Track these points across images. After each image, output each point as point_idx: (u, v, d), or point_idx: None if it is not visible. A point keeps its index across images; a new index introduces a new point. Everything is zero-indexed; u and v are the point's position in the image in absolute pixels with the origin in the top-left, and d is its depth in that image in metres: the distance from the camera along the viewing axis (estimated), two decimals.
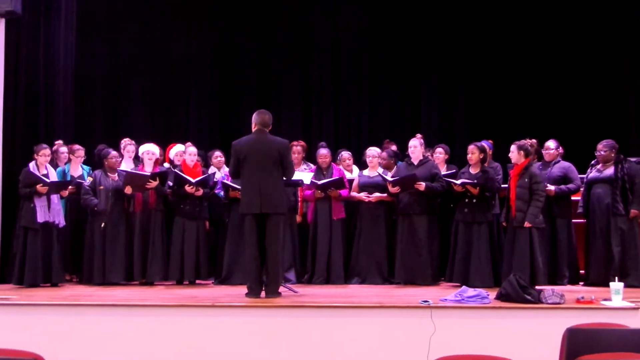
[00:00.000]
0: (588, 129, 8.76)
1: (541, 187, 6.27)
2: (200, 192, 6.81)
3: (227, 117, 9.91)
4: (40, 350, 2.94)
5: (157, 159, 7.10)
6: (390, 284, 6.79)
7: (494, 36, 9.71)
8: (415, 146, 6.90)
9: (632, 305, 4.92)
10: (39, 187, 6.52)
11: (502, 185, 6.75)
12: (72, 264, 7.24)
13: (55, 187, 6.68)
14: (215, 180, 7.11)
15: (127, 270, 6.85)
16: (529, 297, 5.04)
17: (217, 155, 7.50)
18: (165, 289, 6.56)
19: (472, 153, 6.62)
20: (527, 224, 6.14)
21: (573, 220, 6.88)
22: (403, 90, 9.94)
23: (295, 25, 10.02)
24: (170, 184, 6.89)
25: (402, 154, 7.53)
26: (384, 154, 7.43)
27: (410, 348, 4.82)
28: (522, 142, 6.51)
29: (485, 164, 6.68)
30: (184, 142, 7.60)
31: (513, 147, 6.43)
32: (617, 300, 4.97)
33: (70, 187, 6.98)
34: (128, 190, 6.80)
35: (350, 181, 7.15)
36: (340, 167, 7.39)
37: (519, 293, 5.08)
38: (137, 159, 7.27)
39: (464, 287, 5.49)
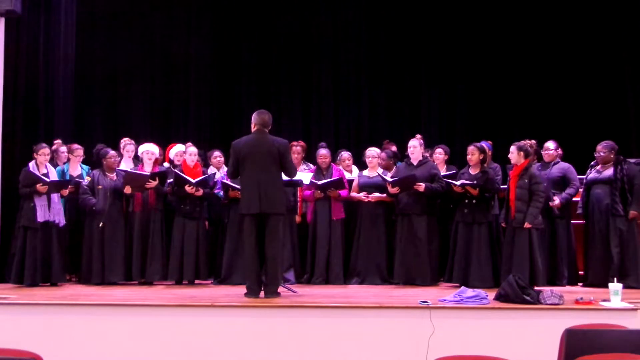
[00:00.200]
0: (588, 130, 8.77)
1: (541, 187, 6.27)
2: (201, 192, 6.81)
3: (226, 117, 9.91)
4: (39, 349, 2.94)
5: (156, 159, 7.10)
6: (389, 284, 6.80)
7: (494, 37, 9.71)
8: (415, 147, 6.90)
9: (631, 306, 4.92)
10: (38, 186, 6.52)
11: (502, 186, 6.75)
12: (71, 264, 7.23)
13: (55, 186, 6.68)
14: (215, 180, 7.11)
15: (126, 270, 6.86)
16: (528, 298, 5.04)
17: (217, 155, 7.50)
18: (164, 289, 6.56)
19: (472, 154, 6.62)
20: (526, 225, 6.14)
21: (572, 221, 6.89)
22: (403, 90, 9.95)
23: (295, 26, 10.01)
24: (169, 181, 6.89)
25: (401, 155, 7.54)
26: (384, 154, 7.43)
27: (409, 348, 4.83)
28: (522, 143, 6.51)
29: (485, 165, 6.69)
30: (183, 142, 7.61)
31: (513, 148, 6.44)
32: (615, 301, 4.98)
33: (70, 186, 6.98)
34: (127, 190, 6.80)
35: (350, 181, 7.15)
36: (340, 167, 7.40)
37: (518, 294, 5.08)
38: (137, 159, 7.27)
39: (462, 287, 5.49)
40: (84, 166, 7.46)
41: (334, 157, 7.56)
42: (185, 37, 9.99)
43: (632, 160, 6.69)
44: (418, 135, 7.35)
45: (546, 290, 5.14)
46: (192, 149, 7.11)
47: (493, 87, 9.76)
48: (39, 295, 5.80)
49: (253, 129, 5.77)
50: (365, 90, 9.92)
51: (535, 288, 5.29)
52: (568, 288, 6.42)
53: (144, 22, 9.89)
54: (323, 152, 7.23)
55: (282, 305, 5.19)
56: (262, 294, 5.59)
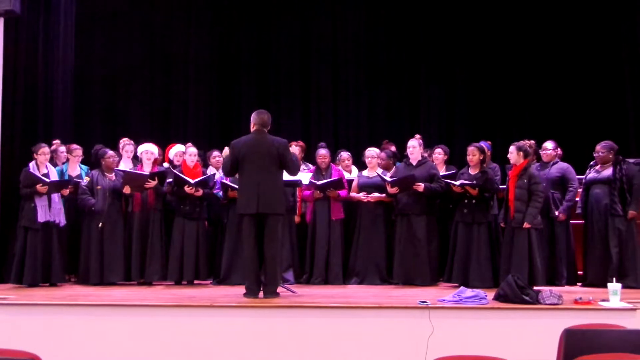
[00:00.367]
0: (587, 130, 8.78)
1: (540, 187, 6.28)
2: (200, 192, 6.81)
3: (226, 117, 9.91)
4: (38, 350, 2.94)
5: (155, 159, 7.10)
6: (388, 285, 6.79)
7: (493, 37, 9.72)
8: (414, 147, 6.90)
9: (630, 306, 4.93)
10: (38, 187, 6.52)
11: (501, 186, 6.75)
12: (70, 264, 7.22)
13: (55, 186, 6.68)
14: (214, 180, 7.11)
15: (126, 270, 6.85)
16: (526, 298, 5.04)
17: (216, 156, 7.50)
18: (163, 289, 6.56)
19: (473, 155, 6.62)
20: (525, 225, 6.14)
21: (571, 221, 6.89)
22: (402, 90, 9.95)
23: (295, 26, 10.02)
24: (169, 181, 6.89)
25: (400, 155, 7.54)
26: (383, 154, 7.43)
27: (408, 349, 4.83)
28: (521, 143, 6.51)
29: (484, 165, 6.69)
30: (183, 142, 7.61)
31: (512, 148, 6.44)
32: (614, 301, 4.98)
33: (70, 186, 6.98)
34: (127, 190, 6.80)
35: (349, 181, 7.15)
36: (340, 167, 7.39)
37: (517, 293, 5.08)
38: (136, 159, 7.27)
39: (462, 287, 5.49)
40: (83, 166, 7.46)
41: (334, 157, 7.56)
42: (184, 38, 9.99)
43: (631, 160, 6.70)
44: (417, 136, 7.35)
45: (545, 290, 5.14)
46: (192, 150, 7.11)
47: (492, 87, 9.76)
48: (37, 295, 5.80)
49: (252, 129, 5.77)
50: (364, 91, 9.92)
51: (534, 288, 5.29)
52: (567, 288, 6.42)
53: (143, 22, 9.89)
54: (322, 152, 7.23)
55: (281, 306, 5.19)
56: (261, 294, 5.58)
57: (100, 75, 9.73)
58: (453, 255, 6.56)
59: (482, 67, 9.74)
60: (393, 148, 7.86)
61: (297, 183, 6.94)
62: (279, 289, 5.70)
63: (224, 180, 6.85)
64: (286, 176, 5.90)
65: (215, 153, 7.53)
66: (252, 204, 5.56)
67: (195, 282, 6.90)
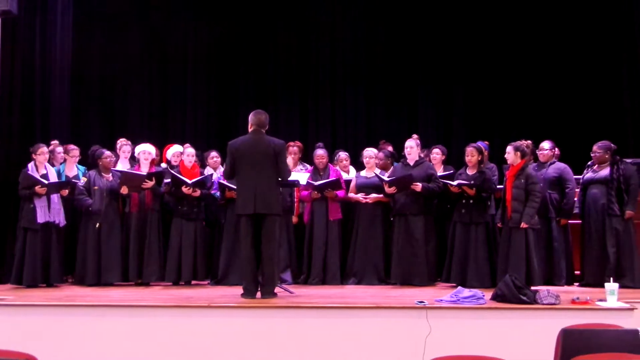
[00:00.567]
0: (584, 130, 8.78)
1: (537, 188, 6.28)
2: (198, 192, 6.80)
3: (223, 118, 9.91)
4: (35, 351, 2.94)
5: (153, 159, 7.09)
6: (386, 285, 6.80)
7: (491, 37, 9.73)
8: (412, 147, 6.90)
9: (627, 306, 4.94)
10: (37, 188, 6.50)
11: (498, 186, 6.76)
12: (67, 265, 7.21)
13: (54, 187, 6.67)
14: (212, 181, 7.10)
15: (123, 271, 6.84)
16: (524, 298, 5.05)
17: (214, 156, 7.50)
18: (161, 290, 6.55)
19: (472, 155, 6.62)
20: (523, 225, 6.15)
21: (569, 221, 6.89)
22: (400, 91, 9.95)
23: (293, 26, 10.02)
24: (166, 181, 6.88)
25: (398, 155, 7.54)
26: (381, 154, 7.43)
27: (405, 349, 4.83)
28: (518, 143, 6.51)
29: (482, 165, 6.69)
30: (180, 143, 7.61)
31: (509, 148, 6.44)
32: (612, 301, 4.99)
33: (69, 186, 6.97)
34: (124, 190, 6.79)
35: (347, 182, 7.15)
36: (337, 167, 7.39)
37: (515, 293, 5.09)
38: (133, 159, 7.26)
39: (459, 287, 5.49)
40: (80, 167, 7.45)
41: (331, 158, 7.56)
42: (182, 38, 9.99)
43: (628, 160, 6.71)
44: (415, 136, 7.35)
45: (542, 290, 5.14)
46: (190, 150, 7.11)
47: (490, 87, 9.77)
48: (35, 296, 5.79)
49: (250, 129, 5.77)
50: (362, 91, 9.92)
51: (532, 288, 5.30)
52: (564, 288, 6.43)
53: (140, 22, 9.87)
54: (320, 152, 7.23)
55: (278, 306, 5.19)
56: (258, 294, 5.58)
57: (97, 75, 9.72)
58: (451, 255, 6.56)
59: (479, 68, 9.74)
60: (390, 148, 7.86)
61: (295, 183, 6.94)
62: (277, 290, 5.71)
63: (222, 181, 6.85)
64: None
65: (213, 153, 7.53)
66: (250, 205, 5.56)
67: (193, 282, 6.90)
